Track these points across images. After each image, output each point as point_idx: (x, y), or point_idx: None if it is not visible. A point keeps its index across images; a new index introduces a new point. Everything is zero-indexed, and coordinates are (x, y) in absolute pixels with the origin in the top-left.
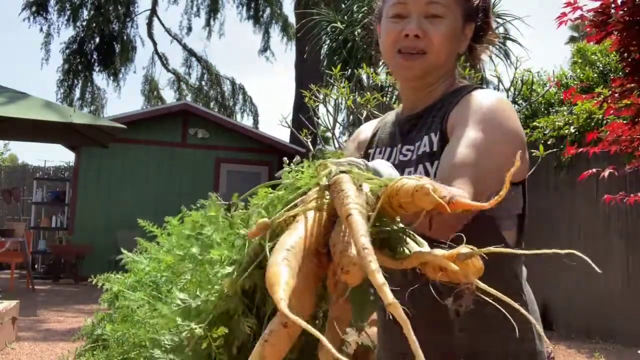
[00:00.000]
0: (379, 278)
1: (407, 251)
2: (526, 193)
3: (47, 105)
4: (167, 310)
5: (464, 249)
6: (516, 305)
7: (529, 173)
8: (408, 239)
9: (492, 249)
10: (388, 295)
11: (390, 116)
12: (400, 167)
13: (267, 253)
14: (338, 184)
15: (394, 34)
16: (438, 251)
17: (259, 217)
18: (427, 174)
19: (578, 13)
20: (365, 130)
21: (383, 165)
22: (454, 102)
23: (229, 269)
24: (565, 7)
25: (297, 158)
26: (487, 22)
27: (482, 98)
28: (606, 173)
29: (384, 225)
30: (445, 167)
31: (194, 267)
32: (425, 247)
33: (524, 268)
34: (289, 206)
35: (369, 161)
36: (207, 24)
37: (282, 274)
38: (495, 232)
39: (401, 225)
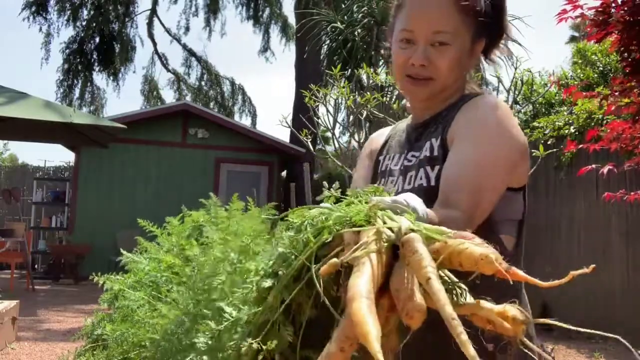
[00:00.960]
0: (469, 349)
1: (460, 300)
2: (526, 199)
3: (47, 105)
4: (220, 323)
5: (516, 312)
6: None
7: (529, 173)
8: (468, 295)
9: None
10: (471, 351)
11: (402, 124)
12: (404, 171)
13: (314, 276)
14: (411, 245)
15: (402, 59)
16: (490, 305)
17: (306, 243)
18: (427, 177)
19: (579, 11)
20: (377, 139)
21: (415, 201)
22: (456, 109)
23: (268, 282)
24: (566, 4)
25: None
26: (500, 27)
27: (481, 108)
28: (605, 169)
29: (446, 277)
30: (444, 182)
31: (232, 271)
32: (472, 299)
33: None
34: (355, 247)
35: (379, 167)
36: (207, 24)
37: (372, 326)
38: (494, 236)
39: (452, 277)
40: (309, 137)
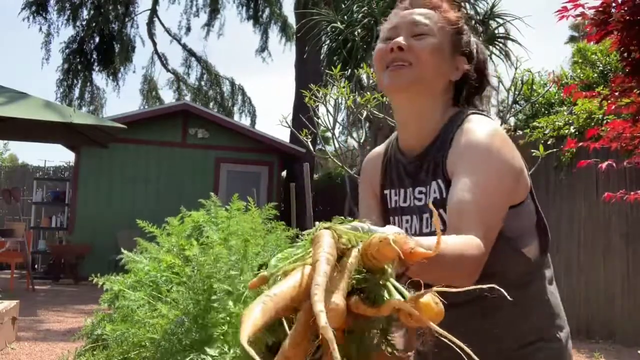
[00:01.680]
0: (319, 306)
1: (384, 299)
2: (537, 203)
3: (47, 105)
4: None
5: (430, 299)
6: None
7: (530, 173)
8: (394, 290)
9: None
10: (322, 320)
11: (392, 150)
12: (418, 212)
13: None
14: (318, 239)
15: (382, 50)
16: (400, 298)
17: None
18: (442, 220)
19: (579, 10)
20: (372, 170)
21: (389, 230)
22: (448, 140)
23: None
24: (567, 2)
25: (307, 167)
26: (481, 80)
27: (472, 136)
28: (604, 165)
29: (368, 277)
30: (451, 215)
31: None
32: (399, 296)
33: (547, 273)
34: (288, 261)
35: (388, 203)
36: (208, 24)
37: (254, 313)
38: (517, 252)
39: (388, 276)
40: (309, 137)
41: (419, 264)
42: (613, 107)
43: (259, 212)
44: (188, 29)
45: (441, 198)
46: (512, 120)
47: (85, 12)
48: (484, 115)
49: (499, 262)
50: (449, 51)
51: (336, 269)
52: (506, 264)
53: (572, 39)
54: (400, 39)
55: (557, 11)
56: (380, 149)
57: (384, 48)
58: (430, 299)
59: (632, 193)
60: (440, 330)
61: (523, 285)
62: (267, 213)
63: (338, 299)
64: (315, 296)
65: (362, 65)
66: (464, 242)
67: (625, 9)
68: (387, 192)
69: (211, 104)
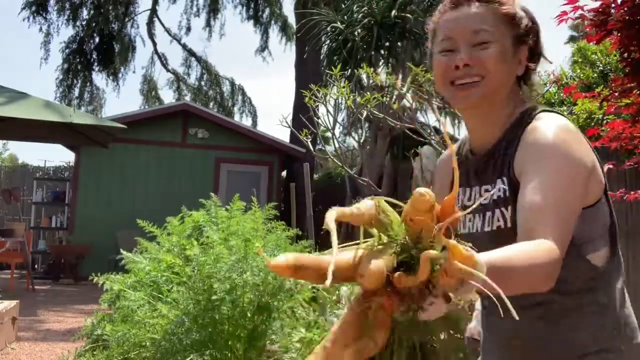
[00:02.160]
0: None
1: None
2: (610, 204)
3: (47, 105)
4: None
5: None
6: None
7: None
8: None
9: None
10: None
11: (463, 150)
12: (482, 211)
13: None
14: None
15: (444, 65)
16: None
17: None
18: (504, 219)
19: (578, 12)
20: (443, 170)
21: None
22: (516, 139)
23: None
24: (565, 4)
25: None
26: (537, 45)
27: (541, 134)
28: (605, 168)
29: (413, 253)
30: (525, 217)
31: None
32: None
33: (616, 279)
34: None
35: (457, 204)
36: (208, 24)
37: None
38: (581, 259)
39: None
40: (309, 137)
41: (491, 277)
42: (612, 109)
43: (259, 212)
44: (188, 29)
45: (504, 197)
46: None
47: (85, 12)
48: (554, 112)
49: (566, 271)
50: (511, 50)
51: (381, 242)
52: (569, 270)
53: (572, 39)
54: (464, 55)
55: (557, 16)
56: (450, 151)
57: (445, 63)
58: (460, 246)
59: (632, 193)
60: (481, 275)
61: (588, 291)
62: (267, 213)
63: (376, 263)
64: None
65: (362, 65)
66: (534, 249)
67: (625, 9)
68: (461, 189)
69: (211, 104)
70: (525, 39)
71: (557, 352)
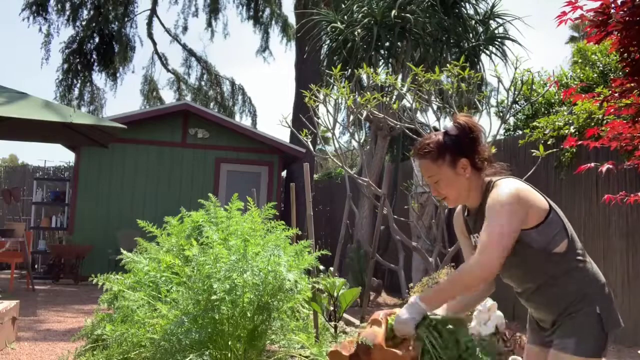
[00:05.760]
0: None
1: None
2: (554, 209)
3: (47, 105)
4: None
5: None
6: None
7: (530, 173)
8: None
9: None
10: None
11: (464, 210)
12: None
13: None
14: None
15: (432, 189)
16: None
17: None
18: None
19: (578, 13)
20: (458, 221)
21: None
22: (485, 200)
23: None
24: (565, 5)
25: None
26: (475, 145)
27: (493, 196)
28: (604, 167)
29: None
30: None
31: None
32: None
33: (575, 257)
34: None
35: (473, 242)
36: (209, 24)
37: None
38: (550, 255)
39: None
40: (309, 137)
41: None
42: (612, 109)
43: (258, 212)
44: (187, 29)
45: None
46: (511, 120)
47: (85, 13)
48: (506, 178)
49: (539, 268)
50: (452, 172)
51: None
52: (547, 267)
53: (572, 39)
54: (432, 190)
55: (557, 17)
56: (460, 209)
57: (433, 190)
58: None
59: (632, 195)
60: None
61: (563, 273)
62: (266, 213)
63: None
64: None
65: (362, 65)
66: (458, 269)
67: (625, 9)
68: (471, 235)
69: (211, 104)
70: (458, 157)
71: (552, 312)
